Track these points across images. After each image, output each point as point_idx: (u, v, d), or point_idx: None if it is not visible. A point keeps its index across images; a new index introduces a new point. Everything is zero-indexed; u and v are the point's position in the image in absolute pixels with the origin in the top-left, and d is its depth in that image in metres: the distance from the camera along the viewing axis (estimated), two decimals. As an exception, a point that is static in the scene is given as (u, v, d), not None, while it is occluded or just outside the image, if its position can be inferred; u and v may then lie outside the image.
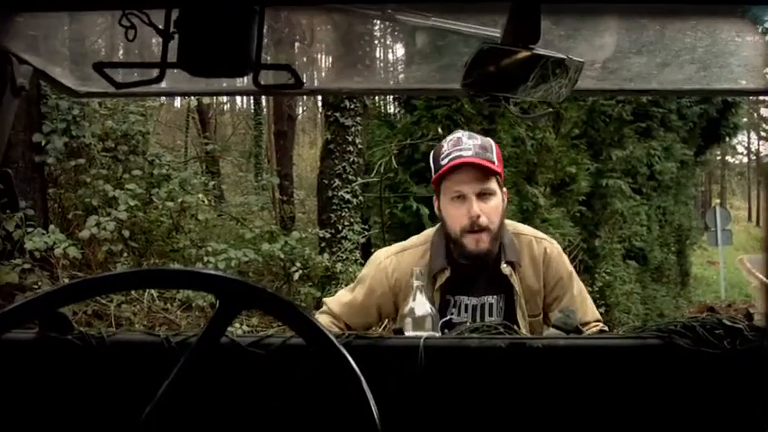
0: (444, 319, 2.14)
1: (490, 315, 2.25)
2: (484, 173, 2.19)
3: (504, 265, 2.24)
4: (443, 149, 2.24)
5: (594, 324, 2.30)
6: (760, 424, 1.45)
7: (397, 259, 2.31)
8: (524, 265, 2.27)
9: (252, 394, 1.51)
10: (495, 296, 2.27)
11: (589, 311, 2.33)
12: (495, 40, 1.40)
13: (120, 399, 1.44)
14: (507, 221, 2.33)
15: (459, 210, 2.19)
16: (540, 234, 2.39)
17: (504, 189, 2.28)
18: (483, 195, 2.19)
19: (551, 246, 2.34)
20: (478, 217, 2.16)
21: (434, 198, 2.31)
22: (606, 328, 2.32)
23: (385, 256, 2.35)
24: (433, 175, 2.27)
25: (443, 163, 2.21)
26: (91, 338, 1.53)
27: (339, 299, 2.40)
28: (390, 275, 2.29)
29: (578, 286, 2.35)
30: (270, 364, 1.49)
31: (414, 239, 2.40)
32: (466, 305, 2.27)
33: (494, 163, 2.20)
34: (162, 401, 1.09)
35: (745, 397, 1.46)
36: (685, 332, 1.48)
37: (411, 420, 1.48)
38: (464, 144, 2.20)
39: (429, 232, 2.38)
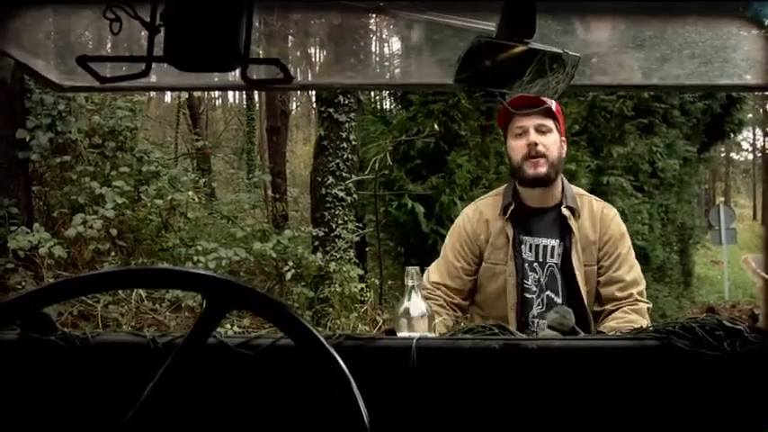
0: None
1: (551, 256, 2.47)
2: (543, 111, 2.44)
3: (564, 209, 2.46)
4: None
5: (632, 298, 2.42)
6: (760, 427, 1.43)
7: (477, 207, 2.60)
8: (583, 218, 2.48)
9: (240, 396, 1.48)
10: (555, 240, 2.48)
11: (631, 274, 2.47)
12: (490, 34, 1.37)
13: (104, 401, 1.41)
14: (573, 186, 2.57)
15: (520, 142, 2.46)
16: (600, 199, 2.62)
17: (564, 138, 2.53)
18: (541, 130, 2.45)
19: (609, 208, 2.56)
20: (536, 145, 2.42)
21: (504, 144, 2.59)
22: (643, 306, 2.42)
23: (463, 213, 2.64)
24: (498, 118, 2.56)
25: (509, 102, 2.40)
26: (75, 339, 1.50)
27: (437, 268, 2.60)
28: (473, 221, 2.56)
29: (629, 249, 2.51)
30: (258, 365, 1.46)
31: (491, 192, 2.69)
32: (530, 244, 2.50)
33: (552, 107, 2.45)
34: (147, 403, 1.07)
35: (744, 399, 1.44)
36: (684, 333, 1.45)
37: (402, 423, 1.45)
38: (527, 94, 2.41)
39: (500, 188, 2.65)
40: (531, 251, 2.48)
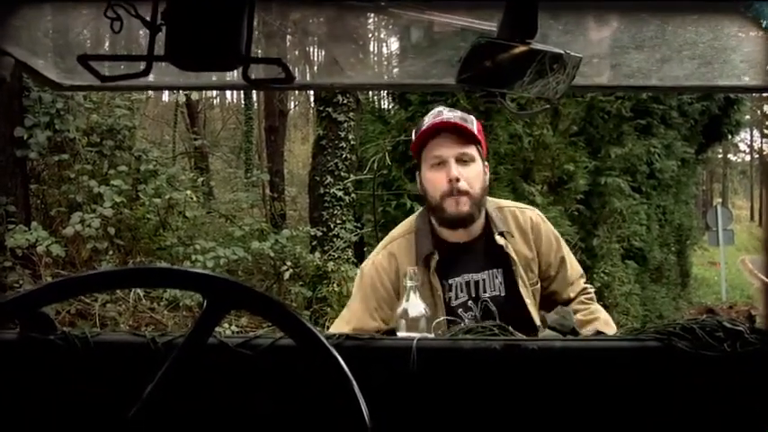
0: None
1: (485, 291, 2.23)
2: (463, 137, 2.17)
3: (498, 237, 2.22)
4: (424, 121, 2.24)
5: (584, 290, 2.36)
6: (760, 427, 1.43)
7: (387, 254, 2.27)
8: (515, 237, 2.27)
9: (240, 396, 1.48)
10: (492, 270, 2.24)
11: (574, 270, 2.37)
12: (492, 34, 1.37)
13: (104, 401, 1.41)
14: (490, 200, 2.31)
15: (439, 174, 2.17)
16: (520, 204, 2.40)
17: (486, 163, 2.26)
18: (463, 160, 2.17)
19: (534, 212, 2.35)
20: (458, 180, 2.14)
21: (417, 173, 2.29)
22: (591, 291, 2.38)
23: (372, 259, 2.30)
24: (413, 144, 2.26)
25: (423, 128, 2.21)
26: (74, 339, 1.49)
27: (344, 326, 2.23)
28: (388, 272, 2.24)
29: (564, 246, 2.37)
30: (258, 365, 1.46)
31: (396, 231, 2.36)
32: (460, 284, 2.23)
33: (474, 131, 2.19)
34: (147, 403, 1.07)
35: (745, 401, 1.44)
36: (684, 334, 1.45)
37: (403, 423, 1.45)
38: (444, 115, 2.20)
39: (410, 220, 2.35)
40: (462, 291, 2.23)
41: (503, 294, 2.24)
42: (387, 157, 8.18)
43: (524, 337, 1.55)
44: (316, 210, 9.13)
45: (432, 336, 1.78)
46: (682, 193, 13.46)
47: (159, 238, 8.00)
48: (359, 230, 9.13)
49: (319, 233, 8.73)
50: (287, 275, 8.06)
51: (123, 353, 1.51)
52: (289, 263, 8.15)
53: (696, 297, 15.79)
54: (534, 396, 1.48)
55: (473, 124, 2.21)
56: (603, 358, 1.50)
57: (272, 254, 8.09)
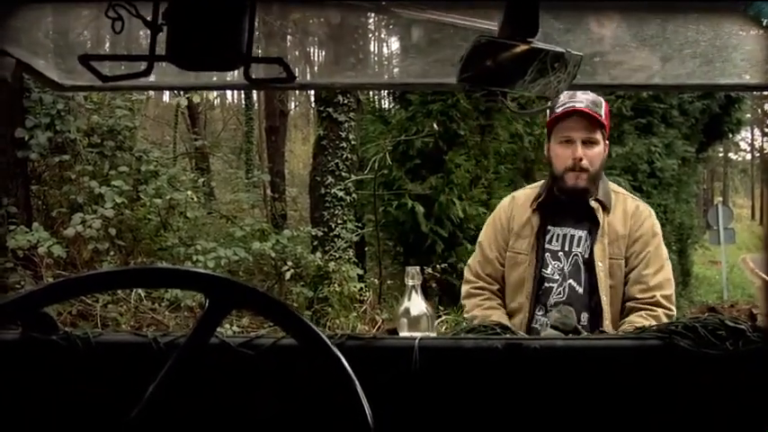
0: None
1: (577, 246, 2.47)
2: (592, 123, 2.43)
3: (593, 201, 2.47)
4: (560, 99, 2.46)
5: (650, 300, 2.40)
6: (762, 426, 1.42)
7: (512, 198, 2.65)
8: (615, 213, 2.49)
9: (242, 396, 1.48)
10: (583, 231, 2.49)
11: (657, 277, 2.45)
12: (493, 33, 1.36)
13: (106, 401, 1.41)
14: (611, 183, 2.59)
15: (566, 151, 2.45)
16: (639, 199, 2.63)
17: (607, 143, 2.52)
18: (588, 142, 2.44)
19: (645, 206, 2.57)
20: (581, 159, 2.42)
21: (546, 141, 2.59)
22: (661, 312, 2.39)
23: (502, 202, 2.69)
24: (548, 120, 2.55)
25: (558, 110, 2.46)
26: (76, 339, 1.49)
27: (475, 261, 2.65)
28: (508, 210, 2.60)
29: (659, 248, 2.49)
30: (260, 365, 1.46)
31: (530, 185, 2.74)
32: (557, 235, 2.51)
33: (602, 117, 2.45)
34: (150, 403, 1.07)
35: (747, 399, 1.44)
36: (686, 333, 1.45)
37: (405, 422, 1.45)
38: (578, 97, 2.44)
39: (541, 182, 2.68)
40: (557, 241, 2.50)
41: (587, 255, 2.46)
42: (387, 157, 8.18)
43: (526, 336, 1.55)
44: (317, 210, 9.13)
45: (433, 335, 1.78)
46: (682, 191, 13.44)
47: (160, 239, 8.00)
48: (360, 230, 9.15)
49: (320, 233, 8.73)
50: (288, 276, 8.06)
51: (125, 353, 1.51)
52: (290, 263, 8.15)
53: (697, 296, 15.75)
54: (536, 395, 1.48)
55: (602, 108, 2.46)
56: (605, 357, 1.50)
57: (273, 254, 8.08)
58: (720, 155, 37.02)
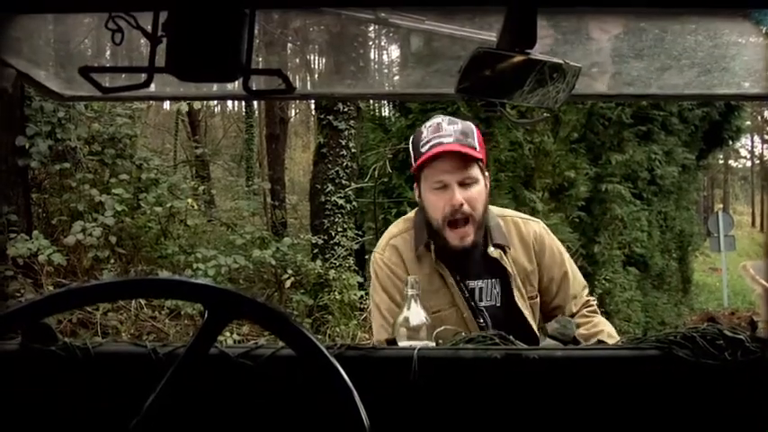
0: None
1: (489, 299, 2.22)
2: (465, 160, 2.13)
3: (492, 249, 2.20)
4: (423, 136, 2.19)
5: (587, 303, 2.32)
6: (761, 437, 1.42)
7: (395, 249, 2.26)
8: (515, 247, 2.24)
9: (241, 406, 1.48)
10: (489, 280, 2.22)
11: (577, 283, 2.32)
12: (491, 44, 1.37)
13: (105, 411, 1.41)
14: (493, 209, 2.29)
15: (441, 198, 2.13)
16: (525, 215, 2.37)
17: (487, 174, 2.22)
18: (465, 183, 2.13)
19: (538, 225, 2.32)
20: (461, 205, 2.11)
21: (415, 185, 2.26)
22: (594, 304, 2.33)
23: (380, 259, 2.28)
24: (413, 163, 2.20)
25: (423, 150, 2.15)
26: (76, 349, 1.49)
27: (381, 332, 2.21)
28: (400, 266, 2.23)
29: (568, 260, 2.33)
30: (259, 375, 1.46)
31: (393, 228, 2.33)
32: (470, 287, 2.22)
33: (475, 149, 2.15)
34: (149, 414, 1.07)
35: (745, 409, 1.44)
36: (685, 343, 1.45)
37: (404, 433, 1.45)
38: (444, 130, 2.15)
39: (408, 218, 2.34)
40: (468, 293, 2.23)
41: (498, 305, 2.22)
42: (387, 165, 8.19)
43: (525, 346, 1.55)
44: (317, 218, 9.13)
45: (432, 345, 1.77)
46: (683, 199, 13.45)
47: (160, 247, 7.99)
48: (360, 238, 9.13)
49: (320, 241, 8.73)
50: (288, 283, 8.06)
51: (124, 363, 1.51)
52: (290, 271, 8.15)
53: (698, 303, 15.76)
54: (536, 405, 1.48)
55: (473, 137, 2.16)
56: (604, 367, 1.50)
57: (273, 262, 8.08)
58: (720, 162, 37.06)
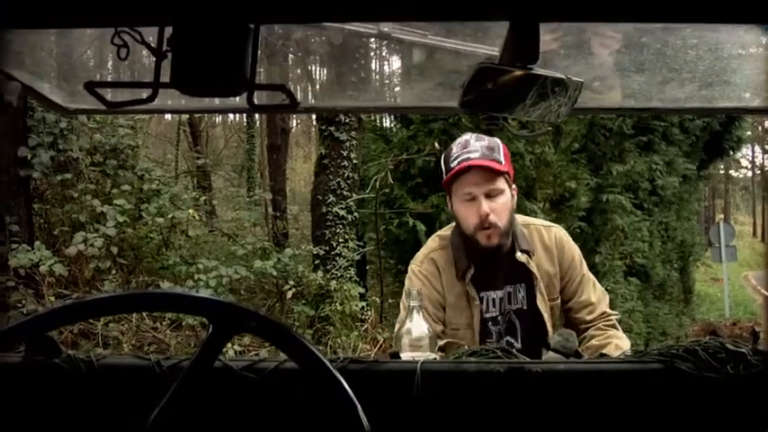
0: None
1: (509, 303, 2.40)
2: (492, 174, 2.32)
3: (520, 254, 2.38)
4: (453, 152, 2.38)
5: (604, 315, 2.40)
6: (764, 450, 1.42)
7: (433, 262, 2.45)
8: (538, 253, 2.42)
9: (245, 419, 1.48)
10: (515, 285, 2.41)
11: (596, 293, 2.44)
12: (494, 58, 1.38)
13: (109, 425, 1.41)
14: (518, 217, 2.47)
15: (470, 209, 2.34)
16: (546, 222, 2.57)
17: (513, 186, 2.43)
18: (491, 195, 2.33)
19: (559, 230, 2.50)
20: (488, 216, 2.30)
21: (447, 198, 2.47)
22: (613, 318, 2.41)
23: (417, 271, 2.46)
24: (444, 177, 2.41)
25: (453, 165, 2.34)
26: (79, 362, 1.49)
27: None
28: (437, 278, 2.42)
29: (585, 268, 2.48)
30: (263, 388, 1.46)
31: (432, 243, 2.53)
32: (493, 299, 2.41)
33: (501, 163, 2.34)
34: (154, 427, 1.07)
35: (748, 423, 1.44)
36: (687, 356, 1.45)
37: (407, 446, 1.44)
38: (472, 146, 2.34)
39: (443, 234, 2.52)
40: (494, 306, 2.41)
41: (525, 308, 2.40)
42: (389, 176, 8.19)
43: (528, 359, 1.55)
44: (318, 228, 9.13)
45: (435, 356, 1.78)
46: (684, 209, 13.44)
47: (162, 258, 7.99)
48: (361, 249, 9.13)
49: (322, 252, 8.72)
50: (289, 294, 8.04)
51: (128, 376, 1.51)
52: (291, 282, 8.14)
53: (699, 313, 15.72)
54: (538, 419, 1.47)
55: (499, 152, 2.35)
56: (607, 380, 1.50)
57: (274, 273, 8.07)
58: (721, 172, 37.03)
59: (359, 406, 1.07)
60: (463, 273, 2.38)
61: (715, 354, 1.45)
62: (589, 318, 2.40)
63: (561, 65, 1.44)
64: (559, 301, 2.42)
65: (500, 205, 2.33)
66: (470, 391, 1.48)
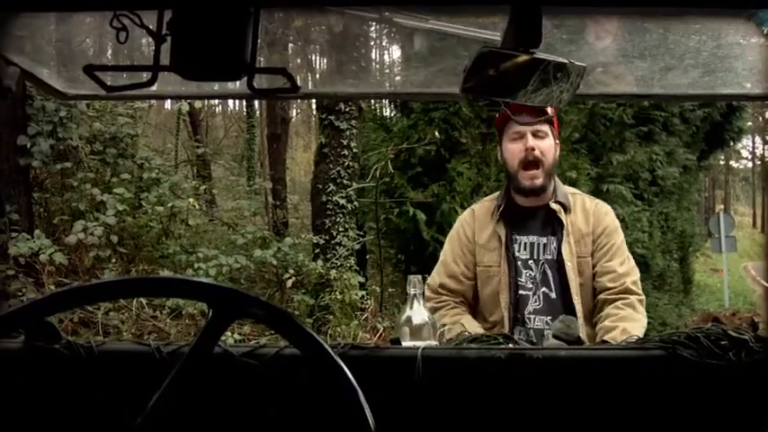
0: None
1: (544, 253, 2.51)
2: (540, 117, 2.47)
3: (554, 204, 2.52)
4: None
5: (626, 292, 2.42)
6: (765, 437, 1.42)
7: (472, 212, 2.66)
8: (576, 213, 2.54)
9: (245, 405, 1.48)
10: (547, 237, 2.52)
11: (624, 266, 2.49)
12: (495, 43, 1.37)
13: (109, 410, 1.41)
14: (566, 186, 2.63)
15: (517, 145, 2.50)
16: (594, 198, 2.68)
17: (557, 141, 2.58)
18: (538, 135, 2.49)
19: (603, 204, 2.62)
20: (533, 149, 2.47)
21: (498, 146, 2.66)
22: (634, 299, 2.42)
23: (462, 216, 2.70)
24: (496, 125, 2.64)
25: (504, 108, 2.46)
26: (79, 348, 1.49)
27: (437, 275, 2.63)
28: (470, 224, 2.61)
29: (622, 242, 2.54)
30: (263, 374, 1.46)
31: (487, 197, 2.75)
32: (525, 243, 2.54)
33: (548, 114, 2.50)
34: (153, 413, 1.07)
35: (749, 409, 1.44)
36: (689, 343, 1.45)
37: (408, 432, 1.44)
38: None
39: (496, 193, 2.72)
40: (525, 249, 2.53)
41: (555, 258, 2.50)
42: (389, 165, 8.19)
43: (529, 346, 1.55)
44: (318, 217, 9.12)
45: (436, 344, 1.77)
46: (684, 199, 13.43)
47: (162, 246, 7.99)
48: (361, 238, 9.13)
49: (321, 241, 8.72)
50: (289, 283, 8.05)
51: (128, 362, 1.51)
52: (291, 271, 8.14)
53: (699, 304, 15.73)
54: (539, 405, 1.47)
55: (549, 109, 2.48)
56: (608, 367, 1.50)
57: (274, 262, 8.07)
58: (722, 163, 37.01)
59: (360, 392, 1.06)
60: (495, 210, 2.55)
61: (717, 340, 1.45)
62: (610, 285, 2.43)
63: (564, 50, 1.43)
64: (590, 259, 2.49)
65: (545, 145, 2.49)
66: (471, 378, 1.48)
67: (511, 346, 1.54)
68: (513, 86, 1.37)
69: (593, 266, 2.49)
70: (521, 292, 2.49)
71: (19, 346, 1.50)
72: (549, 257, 2.50)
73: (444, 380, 1.48)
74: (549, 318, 2.41)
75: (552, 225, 2.52)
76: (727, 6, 1.37)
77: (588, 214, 2.53)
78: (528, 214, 2.54)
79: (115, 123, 7.98)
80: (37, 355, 1.49)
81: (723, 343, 1.44)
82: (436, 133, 8.41)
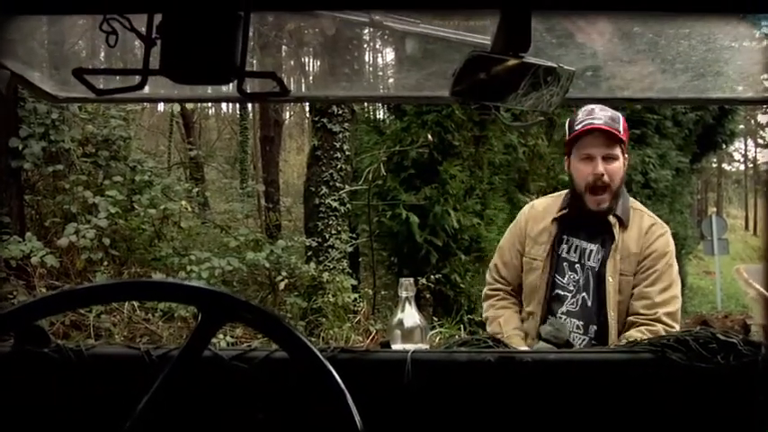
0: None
1: (590, 260, 2.53)
2: (611, 139, 2.48)
3: (612, 217, 2.52)
4: (578, 117, 2.54)
5: (652, 316, 2.40)
6: (754, 440, 1.43)
7: (532, 206, 2.74)
8: (631, 230, 2.54)
9: (234, 409, 1.48)
10: (597, 245, 2.54)
11: (663, 295, 2.45)
12: (486, 47, 1.37)
13: (99, 414, 1.41)
14: (632, 200, 2.63)
15: (586, 168, 2.50)
16: (656, 217, 2.66)
17: (626, 156, 2.57)
18: (608, 158, 2.49)
19: (661, 226, 2.60)
20: (602, 175, 2.47)
21: (566, 158, 2.64)
22: (660, 328, 2.37)
23: (524, 208, 2.77)
24: (567, 138, 2.59)
25: (577, 128, 2.51)
26: (69, 352, 1.48)
27: (495, 265, 2.74)
28: (527, 216, 2.68)
29: (668, 268, 2.50)
30: (253, 378, 1.45)
31: (553, 194, 2.81)
32: (575, 246, 2.57)
33: (620, 132, 2.49)
34: (142, 416, 1.06)
35: (738, 412, 1.44)
36: (678, 346, 1.46)
37: (398, 436, 1.44)
38: (596, 114, 2.49)
39: (563, 192, 2.74)
40: (574, 252, 2.57)
41: (598, 270, 2.52)
42: (382, 168, 8.19)
43: (518, 349, 1.56)
44: (311, 220, 9.12)
45: (426, 347, 1.78)
46: (676, 202, 13.48)
47: (154, 249, 7.96)
48: (354, 241, 9.12)
49: (314, 244, 8.72)
50: (282, 286, 8.03)
51: (118, 365, 1.50)
52: (284, 273, 8.12)
53: (691, 306, 15.76)
54: (529, 408, 1.48)
55: (620, 123, 2.50)
56: (598, 370, 1.50)
57: (267, 264, 8.05)
58: (714, 165, 37.16)
59: (348, 395, 1.06)
60: (556, 210, 2.60)
61: (706, 344, 1.45)
62: (643, 312, 2.42)
63: (554, 54, 1.43)
64: (632, 278, 2.49)
65: (614, 169, 2.49)
66: (461, 381, 1.48)
67: (501, 349, 1.54)
68: (502, 90, 1.38)
69: (634, 287, 2.48)
70: (558, 291, 2.54)
71: (8, 350, 1.49)
72: (594, 266, 2.52)
73: (434, 383, 1.48)
74: (581, 323, 2.46)
75: (603, 236, 2.53)
76: (718, 11, 1.38)
77: (641, 234, 2.53)
78: (585, 219, 2.56)
79: (107, 126, 7.95)
80: (26, 358, 1.48)
81: (712, 346, 1.45)
82: (429, 136, 8.41)
